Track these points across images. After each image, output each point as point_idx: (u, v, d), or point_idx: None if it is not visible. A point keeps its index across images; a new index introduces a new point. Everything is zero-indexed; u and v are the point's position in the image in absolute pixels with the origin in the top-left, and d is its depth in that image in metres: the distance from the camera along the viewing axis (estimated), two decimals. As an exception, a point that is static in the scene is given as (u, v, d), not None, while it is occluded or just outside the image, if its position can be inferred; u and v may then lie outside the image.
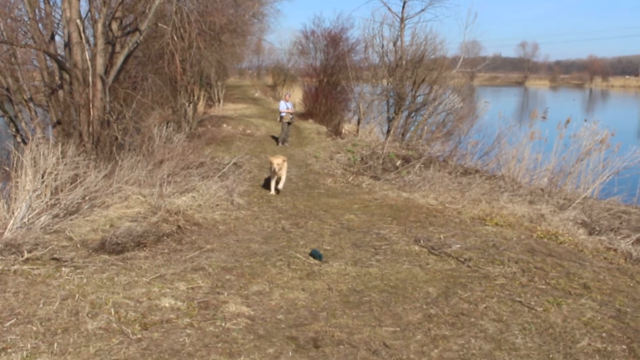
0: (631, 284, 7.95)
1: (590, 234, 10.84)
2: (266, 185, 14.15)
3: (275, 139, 24.99)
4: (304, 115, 34.20)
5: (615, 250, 9.73)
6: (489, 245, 9.39)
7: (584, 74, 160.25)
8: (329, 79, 34.69)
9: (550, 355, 5.67)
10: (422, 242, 9.51)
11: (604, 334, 6.21)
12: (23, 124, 14.81)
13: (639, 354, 5.79)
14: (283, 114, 23.82)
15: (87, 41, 13.94)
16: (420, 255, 8.90)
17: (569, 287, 7.59)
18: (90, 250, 8.30)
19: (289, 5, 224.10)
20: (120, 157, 12.72)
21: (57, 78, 14.66)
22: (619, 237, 10.36)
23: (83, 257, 7.96)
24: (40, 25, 14.49)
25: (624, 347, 5.94)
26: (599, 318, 6.63)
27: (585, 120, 16.62)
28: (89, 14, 14.68)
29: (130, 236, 8.76)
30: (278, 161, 13.41)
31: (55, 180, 10.09)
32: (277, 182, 13.65)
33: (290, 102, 24.43)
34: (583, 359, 5.62)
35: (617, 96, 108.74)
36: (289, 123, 23.97)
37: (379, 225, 10.76)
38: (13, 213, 8.86)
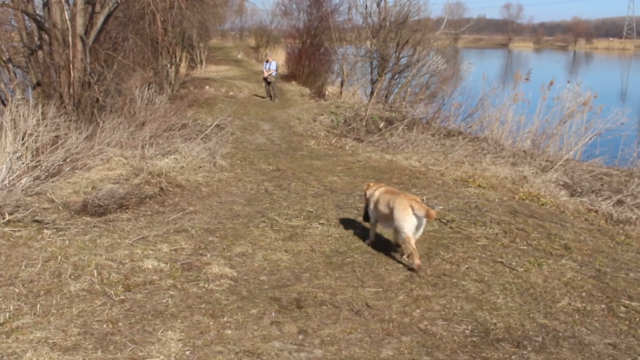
0: (611, 245, 8.03)
1: (571, 195, 10.91)
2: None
3: (261, 97, 26.44)
4: (287, 77, 34.01)
5: (596, 211, 9.81)
6: (471, 207, 9.44)
7: (568, 36, 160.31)
8: (312, 40, 34.45)
9: (531, 315, 5.73)
10: (405, 203, 9.53)
11: (583, 294, 6.29)
12: (2, 85, 14.58)
13: (617, 313, 5.87)
14: (265, 75, 25.52)
15: (67, 1, 13.72)
16: (403, 217, 8.91)
17: (550, 248, 7.66)
18: (72, 212, 8.27)
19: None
20: (102, 119, 12.60)
21: (36, 39, 14.46)
22: (600, 199, 10.43)
23: (65, 219, 7.93)
24: (18, -17, 14.23)
25: (603, 306, 6.02)
26: (579, 278, 6.70)
27: (568, 82, 16.62)
28: (69, -28, 14.43)
29: (113, 198, 8.72)
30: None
31: (36, 142, 10.01)
32: None
33: (272, 61, 25.21)
34: (563, 318, 5.69)
35: (601, 58, 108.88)
36: (268, 82, 25.71)
37: (362, 187, 10.77)
38: (-7, 175, 8.78)
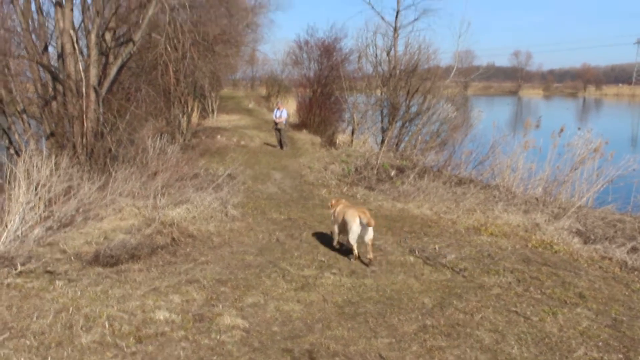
0: (626, 293, 7.94)
1: (585, 242, 10.83)
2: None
3: (272, 146, 26.44)
4: (297, 126, 34.14)
5: (610, 259, 9.72)
6: (484, 255, 9.38)
7: (577, 82, 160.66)
8: (323, 89, 34.63)
9: (547, 366, 5.65)
10: (417, 252, 9.51)
11: (600, 343, 6.20)
12: (16, 136, 14.74)
13: (635, 364, 5.78)
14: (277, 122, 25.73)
15: (81, 52, 13.93)
16: (415, 266, 8.89)
17: (564, 297, 7.58)
18: (84, 263, 8.27)
19: (282, 16, 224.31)
20: (114, 169, 12.69)
21: (50, 89, 14.63)
22: (613, 246, 10.34)
23: (77, 270, 7.92)
24: (33, 36, 14.47)
25: (620, 356, 5.93)
26: (595, 327, 6.62)
27: (579, 128, 16.64)
28: (83, 24, 14.68)
29: (124, 248, 8.72)
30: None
31: (49, 192, 10.06)
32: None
33: (283, 109, 25.32)
34: (579, 369, 5.61)
35: (611, 105, 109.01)
36: (278, 129, 25.76)
37: (374, 236, 10.74)
38: (6, 226, 8.82)
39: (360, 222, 8.94)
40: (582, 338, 6.33)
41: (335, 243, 9.86)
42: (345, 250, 9.60)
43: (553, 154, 15.96)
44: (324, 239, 10.45)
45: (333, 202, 10.29)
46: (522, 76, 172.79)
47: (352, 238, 9.07)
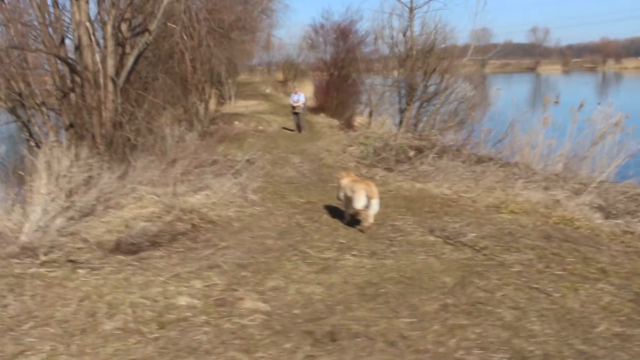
0: (649, 267, 7.88)
1: (606, 218, 10.74)
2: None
3: (290, 130, 26.74)
4: (315, 110, 34.14)
5: (632, 233, 9.64)
6: (504, 233, 9.35)
7: (596, 57, 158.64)
8: (340, 72, 34.60)
9: (569, 341, 5.63)
10: (437, 232, 9.49)
11: (622, 318, 6.16)
12: (36, 128, 14.84)
13: (658, 337, 5.75)
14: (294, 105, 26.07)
15: (97, 43, 13.97)
16: (435, 246, 8.87)
17: (586, 272, 7.55)
18: (106, 251, 8.34)
19: (297, 0, 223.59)
20: (133, 158, 12.76)
21: (68, 81, 14.70)
22: (635, 220, 10.25)
23: (99, 259, 7.99)
24: (50, 29, 14.52)
25: (643, 330, 5.89)
26: (617, 302, 6.58)
27: (599, 103, 16.49)
28: (98, 16, 14.69)
29: (145, 236, 8.79)
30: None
31: (69, 183, 10.15)
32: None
33: (300, 93, 25.41)
34: (602, 344, 5.58)
35: (631, 78, 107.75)
36: (295, 113, 26.08)
37: (394, 216, 10.74)
38: (29, 217, 8.93)
39: (366, 196, 9.70)
40: (604, 313, 6.29)
41: (346, 213, 10.56)
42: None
43: (573, 129, 15.80)
44: (344, 221, 10.45)
45: (342, 175, 11.09)
46: (541, 52, 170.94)
47: (355, 207, 9.91)
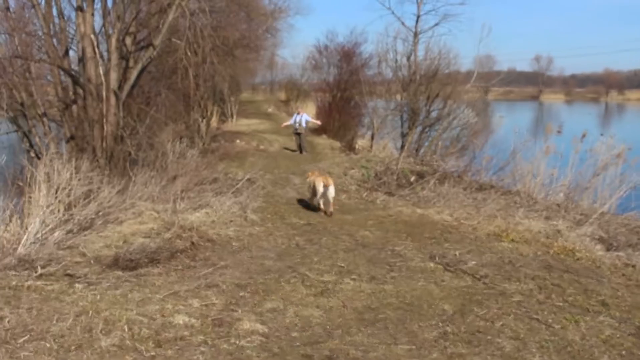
0: (650, 301, 7.83)
1: (607, 249, 10.70)
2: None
3: (292, 150, 26.66)
4: (317, 131, 34.16)
5: (633, 266, 9.58)
6: (505, 262, 9.30)
7: (599, 87, 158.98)
8: (343, 93, 34.67)
9: (569, 375, 5.57)
10: (437, 258, 9.43)
11: (623, 352, 6.10)
12: (37, 139, 14.86)
13: (660, 373, 5.69)
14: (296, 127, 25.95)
15: (101, 56, 14.04)
16: (435, 272, 8.82)
17: (586, 304, 7.49)
18: (104, 266, 8.28)
19: (302, 20, 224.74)
20: (134, 173, 12.74)
21: (71, 93, 14.76)
22: (637, 253, 10.21)
23: (96, 273, 7.93)
24: (54, 40, 14.60)
25: (645, 365, 5.84)
26: (618, 335, 6.52)
27: (602, 134, 16.53)
28: (103, 29, 14.79)
29: (144, 252, 8.73)
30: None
31: (69, 196, 10.11)
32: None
33: (303, 114, 25.46)
34: (603, 379, 5.52)
35: (634, 110, 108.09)
36: (297, 134, 25.96)
37: (394, 241, 10.69)
38: (27, 228, 8.88)
39: (323, 185, 12.80)
40: (605, 346, 6.23)
41: (312, 203, 13.64)
42: (364, 254, 9.57)
43: (575, 159, 15.84)
44: (344, 244, 10.41)
45: (308, 175, 14.31)
46: (544, 81, 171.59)
47: (317, 197, 13.07)
